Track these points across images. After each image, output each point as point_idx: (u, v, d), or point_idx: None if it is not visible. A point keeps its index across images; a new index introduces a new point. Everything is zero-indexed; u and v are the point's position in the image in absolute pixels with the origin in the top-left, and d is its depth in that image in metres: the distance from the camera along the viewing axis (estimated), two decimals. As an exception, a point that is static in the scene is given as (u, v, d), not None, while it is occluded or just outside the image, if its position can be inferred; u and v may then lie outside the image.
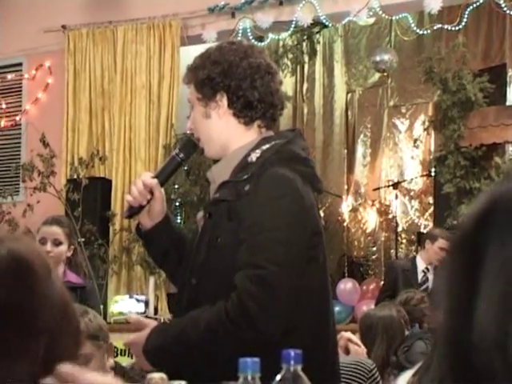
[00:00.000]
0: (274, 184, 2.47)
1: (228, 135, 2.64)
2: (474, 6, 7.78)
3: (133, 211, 2.76)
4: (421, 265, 7.18)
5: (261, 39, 9.06)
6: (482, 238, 0.88)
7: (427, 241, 7.24)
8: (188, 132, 2.89)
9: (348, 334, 3.60)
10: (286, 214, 2.44)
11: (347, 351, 3.54)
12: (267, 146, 2.56)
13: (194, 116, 2.71)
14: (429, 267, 7.15)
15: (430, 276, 7.13)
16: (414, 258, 7.36)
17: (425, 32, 8.75)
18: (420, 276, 7.16)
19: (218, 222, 2.53)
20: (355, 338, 3.60)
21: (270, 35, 8.92)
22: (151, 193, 2.72)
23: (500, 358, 0.83)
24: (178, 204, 8.49)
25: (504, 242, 0.86)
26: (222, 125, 2.63)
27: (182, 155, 2.75)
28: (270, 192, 2.46)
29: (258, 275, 2.37)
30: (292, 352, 1.45)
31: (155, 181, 2.71)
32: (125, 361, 5.42)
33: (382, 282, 7.26)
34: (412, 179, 10.44)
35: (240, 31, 8.50)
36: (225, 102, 2.61)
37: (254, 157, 2.54)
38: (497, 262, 0.86)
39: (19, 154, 9.45)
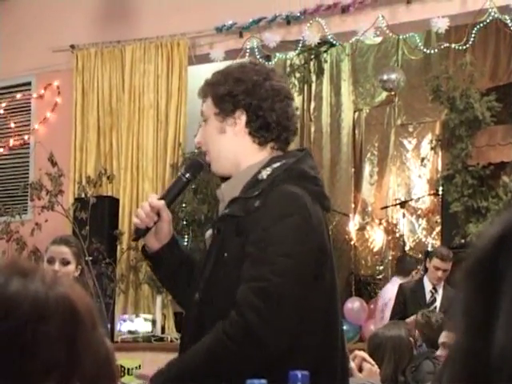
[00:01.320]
0: (282, 201, 2.48)
1: (240, 153, 2.64)
2: (482, 25, 7.80)
3: (139, 233, 2.76)
4: (428, 285, 7.19)
5: (268, 58, 9.09)
6: (499, 261, 0.89)
7: (427, 259, 7.30)
8: (196, 145, 2.90)
9: (362, 353, 3.59)
10: (294, 231, 2.45)
11: (361, 370, 3.54)
12: (278, 164, 2.57)
13: (207, 130, 2.70)
14: (436, 287, 7.15)
15: (438, 296, 7.13)
16: (421, 279, 7.36)
17: (432, 51, 8.76)
18: (428, 296, 7.15)
19: (226, 237, 2.54)
20: (368, 357, 3.59)
21: (278, 54, 8.95)
22: (158, 214, 2.72)
23: None
24: (185, 223, 8.48)
25: None
26: (236, 142, 2.64)
27: (188, 175, 2.76)
28: (279, 209, 2.47)
29: (261, 287, 2.38)
30: (299, 373, 1.44)
31: (162, 202, 2.71)
32: (132, 380, 5.41)
33: (393, 304, 7.27)
34: (419, 198, 10.43)
35: (247, 50, 8.53)
36: (243, 119, 2.62)
37: (264, 174, 2.55)
38: None
39: (27, 173, 9.46)
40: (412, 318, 6.45)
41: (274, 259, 2.41)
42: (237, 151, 2.64)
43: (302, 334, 2.45)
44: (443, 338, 5.27)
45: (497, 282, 0.87)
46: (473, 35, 7.94)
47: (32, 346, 1.13)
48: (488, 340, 0.86)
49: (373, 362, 3.57)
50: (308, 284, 2.45)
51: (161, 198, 2.74)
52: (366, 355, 3.58)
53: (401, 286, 7.53)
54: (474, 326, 0.89)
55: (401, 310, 7.04)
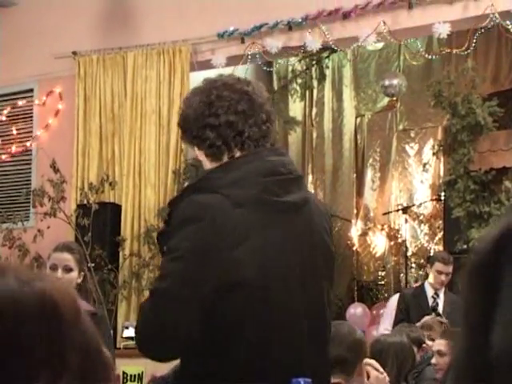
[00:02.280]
0: (180, 212, 2.53)
1: None
2: (483, 30, 7.80)
3: None
4: (429, 291, 7.19)
5: (270, 64, 9.10)
6: (499, 263, 0.89)
7: (428, 265, 7.32)
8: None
9: (370, 361, 3.59)
10: (186, 240, 2.47)
11: (368, 376, 3.54)
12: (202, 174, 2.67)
13: None
14: (438, 292, 7.16)
15: (440, 301, 7.13)
16: (422, 284, 7.37)
17: (434, 57, 8.77)
18: (430, 302, 7.16)
19: (162, 252, 2.66)
20: (377, 365, 3.60)
21: (279, 60, 8.95)
22: None
23: None
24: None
25: None
26: (205, 165, 2.71)
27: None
28: (177, 220, 2.53)
29: (150, 292, 2.53)
30: (302, 381, 1.44)
31: None
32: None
33: (395, 313, 7.26)
34: (421, 203, 10.43)
35: (249, 56, 8.53)
36: (195, 147, 2.71)
37: (185, 184, 2.65)
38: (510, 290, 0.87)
39: (30, 180, 9.47)
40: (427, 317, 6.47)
41: (163, 265, 2.54)
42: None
43: (218, 337, 2.47)
44: (438, 346, 5.28)
45: (495, 284, 0.88)
46: (474, 40, 7.94)
47: (13, 345, 1.09)
48: (487, 340, 0.86)
49: (381, 370, 3.58)
50: (212, 289, 2.43)
51: None
52: (374, 362, 3.58)
53: (402, 293, 7.54)
54: (474, 327, 0.90)
55: (403, 317, 7.03)
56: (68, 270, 4.54)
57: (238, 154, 2.63)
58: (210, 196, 2.50)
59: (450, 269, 7.06)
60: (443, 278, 7.07)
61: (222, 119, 2.61)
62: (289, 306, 2.55)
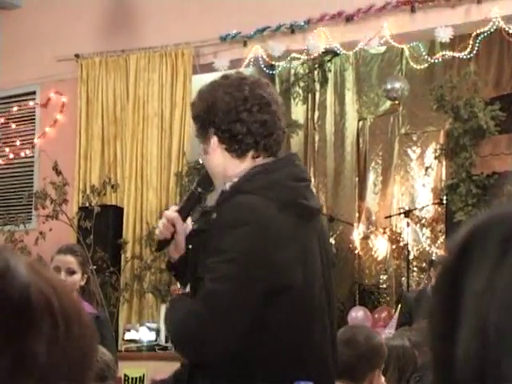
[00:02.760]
0: (233, 212, 2.51)
1: (225, 169, 2.67)
2: (485, 34, 7.80)
3: (161, 245, 2.81)
4: (432, 294, 7.19)
5: (272, 67, 9.10)
6: (459, 270, 0.88)
7: (431, 269, 7.33)
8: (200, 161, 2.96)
9: None
10: (240, 241, 2.45)
11: None
12: (244, 174, 2.60)
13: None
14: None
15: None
16: (425, 288, 7.37)
17: (436, 60, 8.77)
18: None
19: (196, 252, 2.61)
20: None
21: (282, 64, 8.96)
22: (174, 226, 2.75)
23: None
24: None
25: (476, 275, 0.86)
26: (218, 160, 2.67)
27: (199, 189, 2.78)
28: (229, 220, 2.50)
29: (202, 295, 2.45)
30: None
31: (176, 215, 2.74)
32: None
33: (397, 316, 7.26)
34: (423, 207, 10.42)
35: (252, 60, 8.54)
36: (215, 137, 2.65)
37: (228, 185, 2.60)
38: (471, 296, 0.86)
39: (32, 182, 9.48)
40: None
41: (217, 266, 2.45)
42: (222, 168, 2.68)
43: (266, 341, 2.46)
44: None
45: (458, 291, 0.87)
46: (477, 45, 7.94)
47: None
48: (451, 354, 0.86)
49: (383, 379, 3.57)
50: (257, 293, 2.44)
51: (177, 211, 2.77)
52: None
53: (404, 296, 7.53)
54: (439, 340, 0.89)
55: (406, 320, 7.03)
56: (71, 272, 4.54)
57: (262, 154, 2.64)
58: (255, 198, 2.50)
59: None
60: None
61: (257, 117, 2.60)
62: (320, 312, 2.60)
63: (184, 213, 2.78)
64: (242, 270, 2.42)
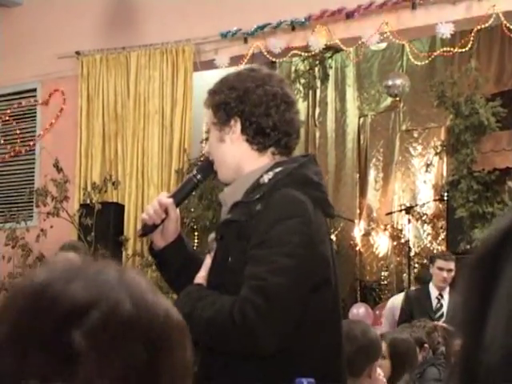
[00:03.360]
0: (284, 204, 2.49)
1: (241, 160, 2.66)
2: (486, 30, 7.79)
3: (147, 230, 2.77)
4: (434, 292, 7.19)
5: (273, 64, 9.09)
6: (500, 256, 0.88)
7: (430, 265, 7.33)
8: (205, 154, 2.93)
9: None
10: (294, 234, 2.45)
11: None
12: (280, 168, 2.59)
13: (210, 139, 2.76)
14: (442, 293, 7.16)
15: (444, 303, 7.13)
16: (427, 286, 7.36)
17: (437, 57, 8.76)
18: (434, 303, 7.16)
19: (229, 242, 2.55)
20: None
21: (283, 60, 8.95)
22: (166, 212, 2.73)
23: (504, 379, 0.83)
24: (190, 228, 8.49)
25: None
26: (235, 150, 2.66)
27: (199, 177, 2.77)
28: (280, 211, 2.48)
29: (260, 286, 2.38)
30: (305, 381, 1.44)
31: (170, 200, 2.72)
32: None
33: (399, 314, 7.27)
34: (424, 204, 10.43)
35: (252, 56, 8.53)
36: (238, 127, 2.64)
37: (266, 178, 2.57)
38: (508, 282, 0.86)
39: (33, 179, 9.48)
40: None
41: (274, 258, 2.41)
42: (238, 159, 2.66)
43: (304, 337, 2.46)
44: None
45: (495, 277, 0.86)
46: (478, 41, 7.93)
47: None
48: (481, 335, 0.85)
49: (380, 371, 3.58)
50: (308, 287, 2.46)
51: (170, 197, 2.75)
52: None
53: (406, 293, 7.54)
54: (469, 323, 0.88)
55: (407, 318, 7.03)
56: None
57: (280, 152, 2.65)
58: (297, 192, 2.52)
59: (451, 265, 7.06)
60: (445, 274, 7.07)
61: (284, 115, 2.62)
62: (339, 307, 2.64)
63: (178, 199, 2.77)
64: (299, 262, 2.42)
